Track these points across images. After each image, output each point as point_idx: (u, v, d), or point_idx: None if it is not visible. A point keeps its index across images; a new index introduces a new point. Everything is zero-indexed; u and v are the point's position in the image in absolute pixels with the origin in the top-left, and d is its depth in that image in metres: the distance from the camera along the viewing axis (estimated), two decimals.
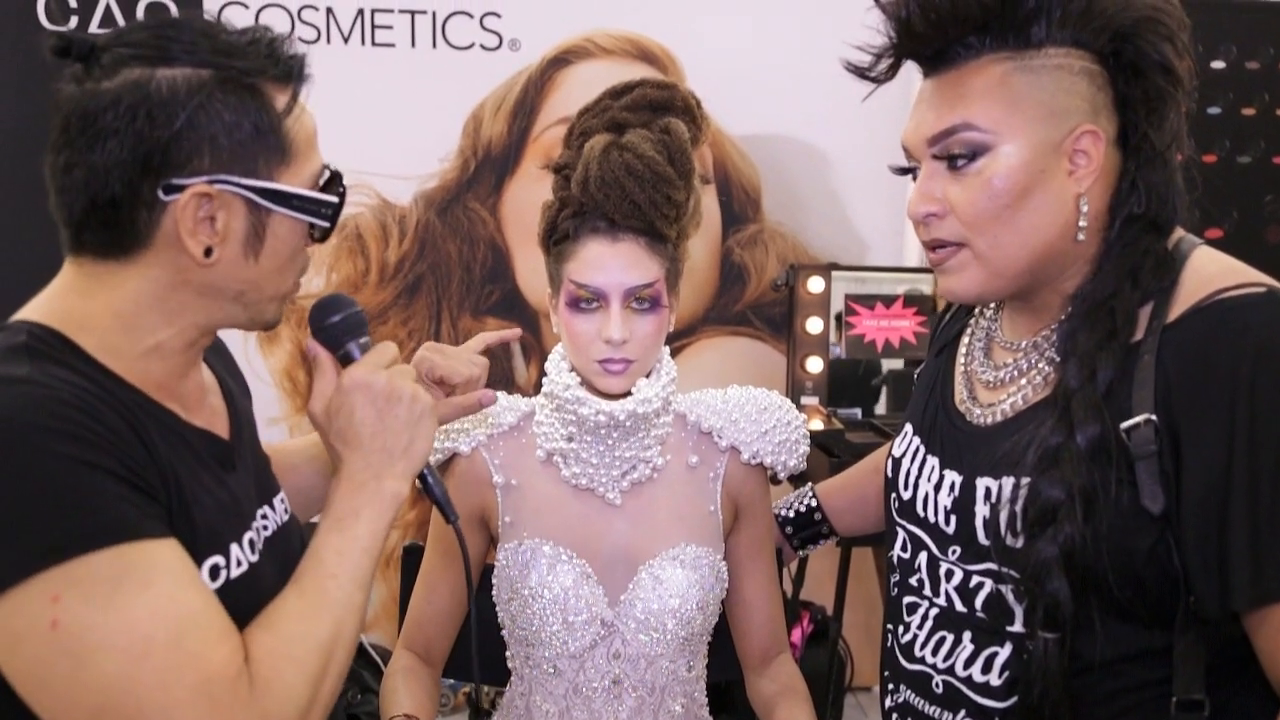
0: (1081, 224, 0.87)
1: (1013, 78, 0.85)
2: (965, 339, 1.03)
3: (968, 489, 0.92)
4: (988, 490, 0.90)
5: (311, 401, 0.84)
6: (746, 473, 1.20)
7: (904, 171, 0.95)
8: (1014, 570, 0.86)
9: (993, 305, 1.02)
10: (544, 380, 1.17)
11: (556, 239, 1.13)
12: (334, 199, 0.83)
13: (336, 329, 0.87)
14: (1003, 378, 0.94)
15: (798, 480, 1.99)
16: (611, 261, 1.09)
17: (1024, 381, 0.92)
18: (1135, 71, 0.86)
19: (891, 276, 2.63)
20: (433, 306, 2.66)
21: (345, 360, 0.87)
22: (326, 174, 0.83)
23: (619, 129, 1.10)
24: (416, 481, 0.87)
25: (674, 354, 2.56)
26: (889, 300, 2.62)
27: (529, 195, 2.52)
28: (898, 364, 2.48)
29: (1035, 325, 0.94)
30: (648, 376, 1.16)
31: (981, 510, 0.90)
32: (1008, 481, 0.88)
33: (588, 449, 1.14)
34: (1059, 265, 0.89)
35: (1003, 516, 0.87)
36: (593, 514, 1.15)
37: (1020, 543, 0.85)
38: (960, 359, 1.02)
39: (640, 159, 1.07)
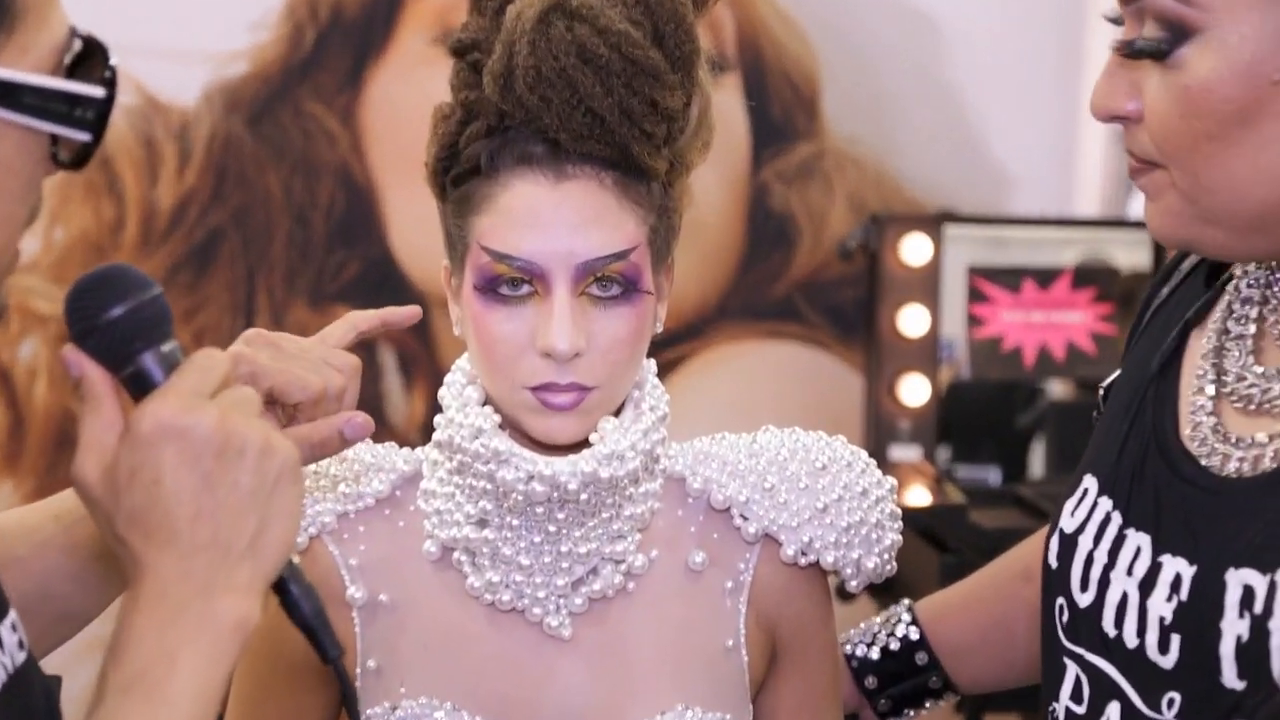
0: None
1: None
2: (1206, 331, 1.02)
3: (1208, 587, 0.91)
4: (1247, 591, 0.89)
5: (79, 461, 0.84)
6: (792, 580, 1.23)
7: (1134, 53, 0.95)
8: None
9: (1270, 269, 1.00)
10: (438, 420, 1.19)
11: (459, 173, 1.15)
12: (96, 90, 0.83)
13: (120, 329, 0.86)
14: None
15: (883, 593, 2.01)
16: (554, 215, 1.11)
17: None
18: None
19: (1054, 235, 2.66)
20: (238, 286, 2.67)
21: (138, 384, 0.86)
22: (78, 45, 0.83)
23: None
24: (271, 594, 0.87)
25: (666, 372, 2.58)
26: (1047, 276, 2.64)
27: (410, 93, 2.55)
28: (1066, 388, 2.51)
29: None
30: (617, 414, 1.18)
31: (1235, 626, 0.89)
32: None
33: (513, 541, 1.16)
34: None
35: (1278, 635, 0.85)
36: (523, 655, 1.17)
37: None
38: (1195, 366, 1.01)
39: (602, 35, 1.09)
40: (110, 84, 0.83)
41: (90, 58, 0.84)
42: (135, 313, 0.86)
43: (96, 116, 0.83)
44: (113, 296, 0.86)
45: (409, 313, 1.19)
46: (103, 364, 0.86)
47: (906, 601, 1.35)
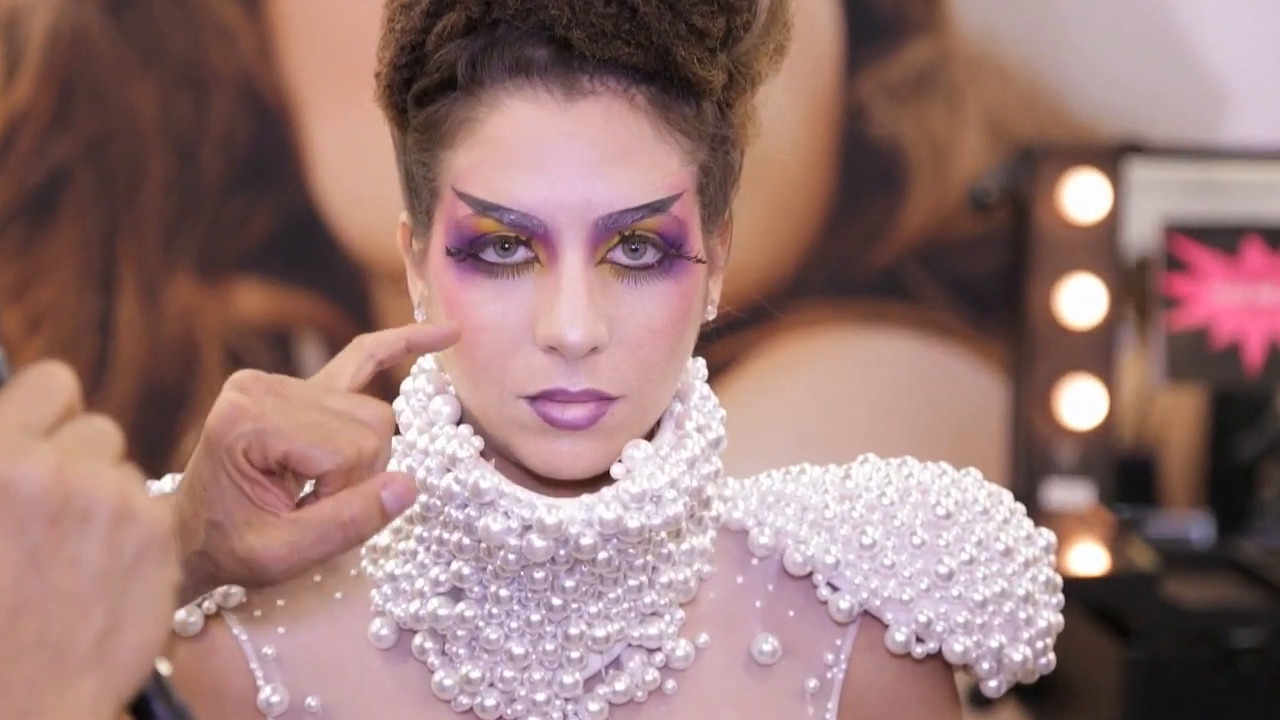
0: None
1: None
2: None
3: None
4: None
5: None
6: (903, 678, 1.26)
7: None
8: None
9: None
10: (394, 444, 1.21)
11: (426, 87, 1.17)
12: None
13: None
14: None
15: (1037, 699, 2.01)
16: (563, 148, 1.14)
17: None
18: None
19: None
20: (91, 249, 2.67)
21: None
22: None
23: None
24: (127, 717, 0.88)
25: (720, 376, 2.57)
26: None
27: None
28: None
29: None
30: (650, 437, 1.21)
31: None
32: None
33: (501, 620, 1.19)
34: None
35: None
36: None
37: None
38: None
39: None
40: None
41: None
42: None
43: None
44: None
45: (448, 333, 1.18)
46: None
47: None
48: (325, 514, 1.11)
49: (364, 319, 2.64)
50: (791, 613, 1.25)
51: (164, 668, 0.92)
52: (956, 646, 1.23)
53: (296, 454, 1.10)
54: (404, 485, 1.10)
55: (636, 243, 1.15)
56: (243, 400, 1.10)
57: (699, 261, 1.18)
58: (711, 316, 1.23)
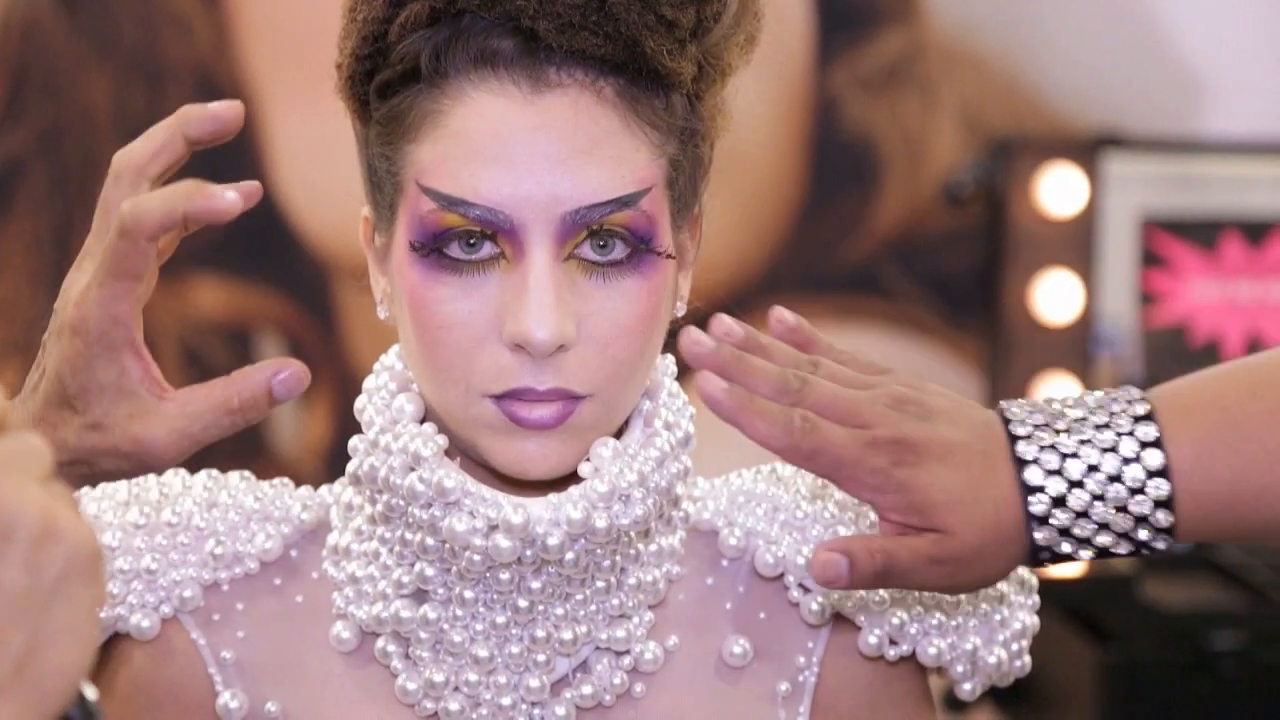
0: None
1: None
2: None
3: None
4: None
5: None
6: (876, 681, 1.26)
7: None
8: None
9: None
10: (353, 444, 1.22)
11: (388, 79, 1.18)
12: None
13: None
14: None
15: (1012, 701, 2.03)
16: (529, 142, 1.14)
17: None
18: None
19: (1271, 169, 2.65)
20: (44, 245, 2.66)
21: None
22: None
23: None
24: None
25: (688, 372, 2.55)
26: (1260, 230, 2.63)
27: None
28: None
29: None
30: (618, 436, 1.21)
31: None
32: None
33: (466, 622, 1.20)
34: None
35: None
36: None
37: None
38: None
39: None
40: None
41: None
42: None
43: None
44: None
45: (248, 189, 1.20)
46: None
47: None
48: (216, 400, 1.13)
49: (324, 315, 2.63)
50: (762, 615, 1.25)
51: (90, 692, 0.92)
52: (930, 649, 1.24)
53: (167, 208, 1.13)
54: (295, 375, 1.13)
55: (605, 238, 1.16)
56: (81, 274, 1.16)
57: (668, 257, 1.19)
58: (681, 313, 1.23)
